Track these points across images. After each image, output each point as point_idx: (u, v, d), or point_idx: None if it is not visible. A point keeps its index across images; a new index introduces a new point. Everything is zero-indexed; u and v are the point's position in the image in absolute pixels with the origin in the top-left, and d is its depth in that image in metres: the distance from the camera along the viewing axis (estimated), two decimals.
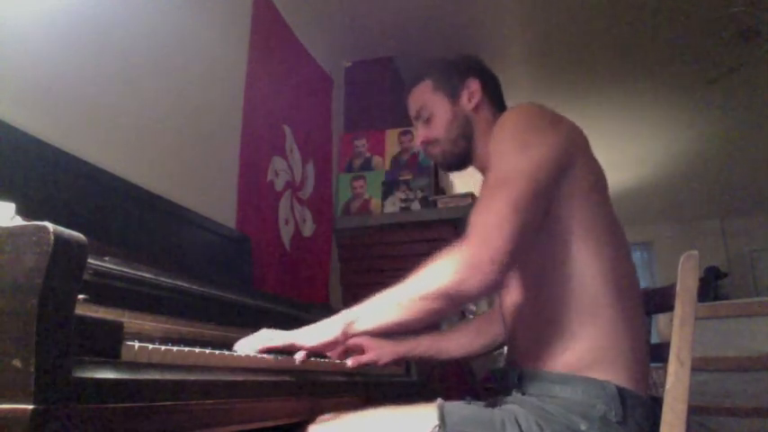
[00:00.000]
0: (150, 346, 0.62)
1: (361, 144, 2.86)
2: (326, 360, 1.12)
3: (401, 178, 2.69)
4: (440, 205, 2.57)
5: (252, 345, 0.90)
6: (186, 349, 0.69)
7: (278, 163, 2.22)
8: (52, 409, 0.45)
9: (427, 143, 1.18)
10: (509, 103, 1.18)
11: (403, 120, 1.91)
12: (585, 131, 1.01)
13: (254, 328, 0.94)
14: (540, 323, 0.95)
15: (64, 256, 0.50)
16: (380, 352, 1.19)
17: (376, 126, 2.88)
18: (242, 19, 2.06)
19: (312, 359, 1.02)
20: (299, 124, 2.43)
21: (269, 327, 0.94)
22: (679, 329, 0.85)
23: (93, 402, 0.49)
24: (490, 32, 2.97)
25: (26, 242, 0.49)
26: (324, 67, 2.73)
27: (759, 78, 3.43)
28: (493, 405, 0.94)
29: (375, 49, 2.97)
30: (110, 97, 1.39)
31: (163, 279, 0.91)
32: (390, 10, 2.71)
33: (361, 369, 1.17)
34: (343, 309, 0.93)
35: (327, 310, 1.02)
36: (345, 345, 1.11)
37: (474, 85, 1.15)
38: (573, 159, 0.94)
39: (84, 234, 0.53)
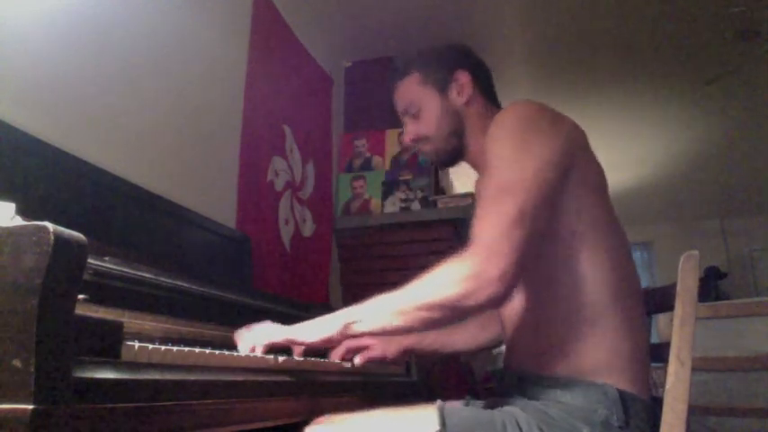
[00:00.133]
0: (150, 346, 0.62)
1: (361, 144, 2.86)
2: (326, 360, 1.12)
3: (401, 178, 2.69)
4: (440, 205, 2.57)
5: (254, 339, 0.90)
6: (186, 349, 0.69)
7: (278, 163, 2.22)
8: (52, 409, 0.45)
9: (417, 140, 1.14)
10: (508, 103, 1.16)
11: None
12: (586, 131, 0.99)
13: None
14: (540, 327, 0.94)
15: (64, 256, 0.50)
16: (387, 347, 1.18)
17: (376, 126, 2.88)
18: (242, 19, 2.06)
19: (312, 359, 1.02)
20: (299, 124, 2.43)
21: None
22: (679, 329, 0.85)
23: (93, 402, 0.49)
24: (490, 32, 2.97)
25: (26, 242, 0.49)
26: (324, 67, 2.73)
27: (759, 78, 3.43)
28: (492, 406, 0.94)
29: (375, 49, 2.97)
30: (110, 97, 1.39)
31: (163, 279, 0.91)
32: (390, 10, 2.71)
33: (361, 369, 1.17)
34: (342, 308, 0.93)
35: (327, 310, 1.01)
36: (349, 345, 1.11)
37: (464, 78, 1.10)
38: (574, 160, 0.92)
39: (84, 234, 0.53)
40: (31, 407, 0.44)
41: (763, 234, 5.99)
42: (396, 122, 2.90)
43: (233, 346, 0.92)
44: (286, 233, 2.23)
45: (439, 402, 0.88)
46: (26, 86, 1.16)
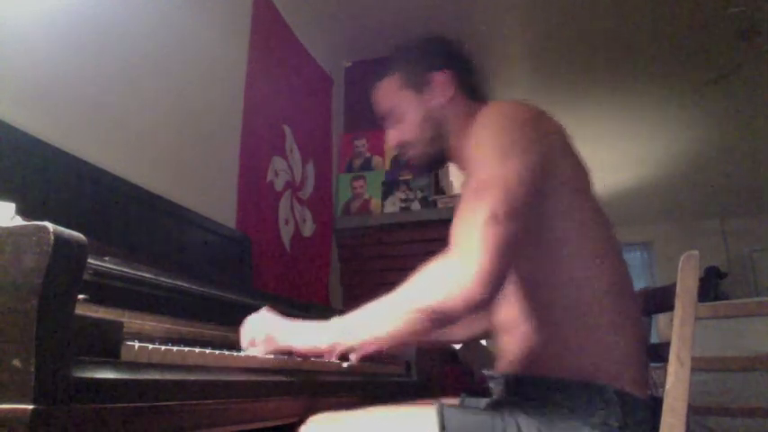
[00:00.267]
0: (150, 346, 0.62)
1: (361, 144, 2.86)
2: (325, 360, 1.12)
3: (401, 178, 2.69)
4: (440, 205, 2.57)
5: (252, 332, 0.92)
6: (186, 349, 0.69)
7: (278, 163, 2.22)
8: (52, 409, 0.45)
9: (400, 146, 1.12)
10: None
11: None
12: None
13: None
14: (534, 330, 0.93)
15: (64, 256, 0.50)
16: None
17: (376, 126, 2.87)
18: (242, 19, 2.06)
19: (312, 359, 1.02)
20: (299, 124, 2.43)
21: None
22: (679, 329, 0.85)
23: (93, 402, 0.49)
24: (490, 32, 2.97)
25: (26, 242, 0.49)
26: (324, 67, 2.74)
27: (759, 78, 3.43)
28: (491, 407, 0.94)
29: (375, 49, 2.97)
30: (110, 97, 1.40)
31: (163, 279, 0.92)
32: (390, 10, 2.71)
33: (361, 369, 1.17)
34: (342, 309, 0.93)
35: (327, 311, 1.02)
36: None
37: (444, 78, 1.07)
38: (556, 161, 0.90)
39: (84, 234, 0.53)
40: (31, 407, 0.44)
41: (763, 234, 5.99)
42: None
43: (233, 346, 0.92)
44: (286, 233, 2.24)
45: (438, 404, 0.88)
46: (26, 86, 1.16)
